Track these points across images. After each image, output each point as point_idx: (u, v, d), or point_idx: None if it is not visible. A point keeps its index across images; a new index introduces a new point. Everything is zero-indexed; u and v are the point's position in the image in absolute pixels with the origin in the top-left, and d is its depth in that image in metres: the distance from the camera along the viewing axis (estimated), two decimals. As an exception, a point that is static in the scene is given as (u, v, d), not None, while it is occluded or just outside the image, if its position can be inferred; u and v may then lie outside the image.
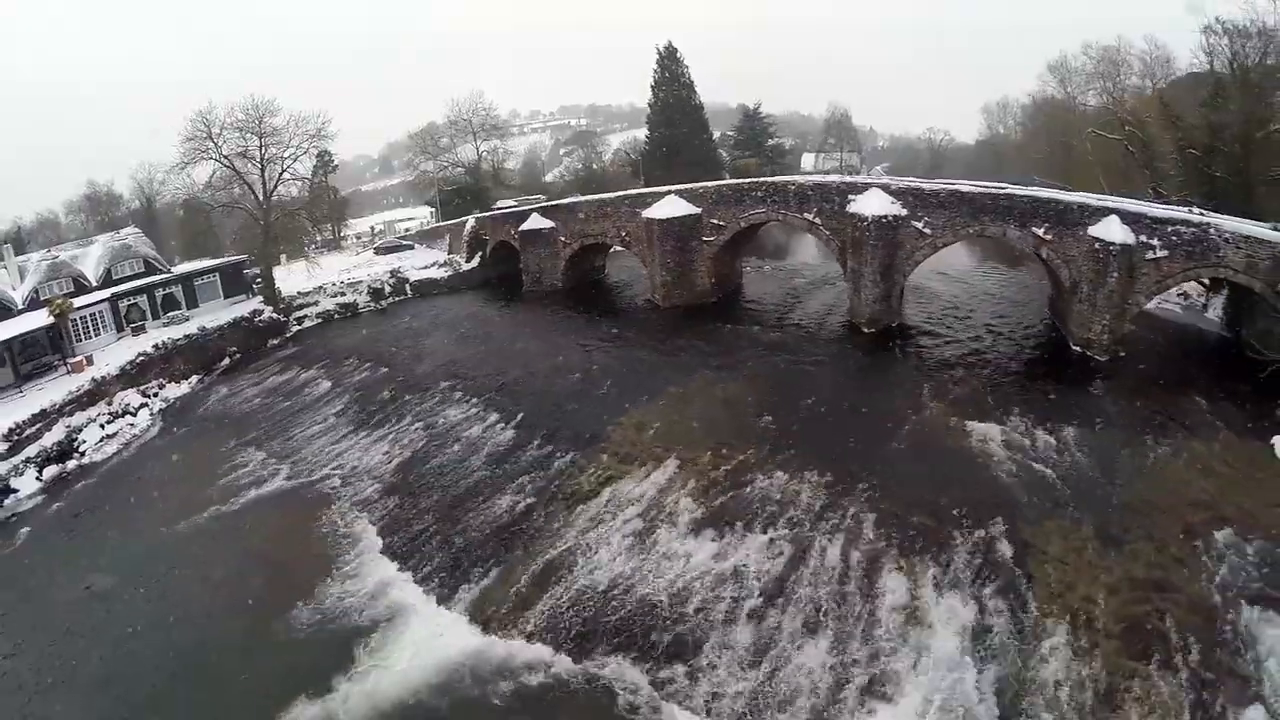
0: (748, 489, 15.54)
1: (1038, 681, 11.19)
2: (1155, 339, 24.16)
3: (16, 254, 39.83)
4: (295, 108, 35.46)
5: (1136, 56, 40.36)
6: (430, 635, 13.23)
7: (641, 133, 61.99)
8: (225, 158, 33.83)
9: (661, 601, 13.05)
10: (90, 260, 38.86)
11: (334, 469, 20.63)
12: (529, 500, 16.73)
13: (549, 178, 69.82)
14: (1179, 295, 28.42)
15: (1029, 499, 14.92)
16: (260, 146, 34.17)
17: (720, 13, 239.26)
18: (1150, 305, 27.38)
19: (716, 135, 67.49)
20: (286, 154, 34.89)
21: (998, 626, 12.03)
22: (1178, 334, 24.78)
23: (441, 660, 12.52)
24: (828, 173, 55.79)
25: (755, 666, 11.62)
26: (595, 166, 61.37)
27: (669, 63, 55.31)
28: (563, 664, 12.19)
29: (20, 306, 35.27)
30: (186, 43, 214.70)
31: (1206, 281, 25.35)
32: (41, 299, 35.74)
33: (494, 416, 21.23)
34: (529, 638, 12.83)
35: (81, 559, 18.86)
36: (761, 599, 12.79)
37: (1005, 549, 13.51)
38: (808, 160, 69.34)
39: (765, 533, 14.22)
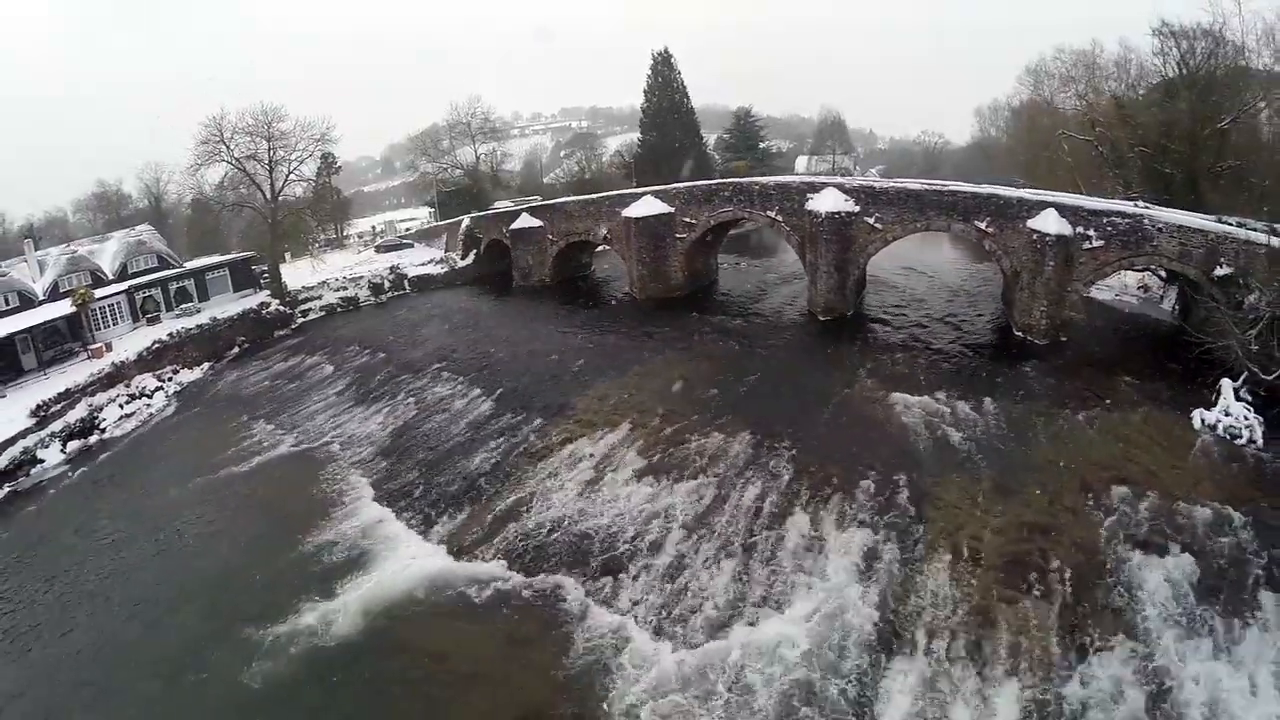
0: (686, 446, 18.43)
1: (915, 601, 13.30)
2: (1104, 327, 26.18)
3: (37, 247, 43.61)
4: (297, 108, 39.10)
5: (1110, 59, 42.96)
6: (411, 559, 16.29)
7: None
8: (236, 160, 37.23)
9: (600, 533, 15.99)
10: (107, 255, 42.56)
11: (334, 437, 23.79)
12: (499, 457, 19.79)
13: (548, 179, 73.14)
14: (1139, 288, 30.74)
15: (936, 456, 17.31)
16: (269, 149, 37.59)
17: (721, 12, 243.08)
18: (1109, 297, 30.05)
19: (714, 138, 70.78)
20: (293, 156, 38.31)
21: (887, 556, 14.36)
22: (1128, 322, 26.87)
23: (419, 575, 15.58)
24: (818, 174, 58.64)
25: (671, 581, 14.49)
26: (593, 168, 64.57)
27: (662, 68, 58.51)
28: (516, 579, 15.17)
29: (41, 297, 38.96)
30: (187, 43, 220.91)
31: (1164, 274, 27.38)
32: (61, 291, 39.42)
33: (476, 392, 24.30)
34: (490, 560, 15.83)
35: (101, 516, 21.87)
36: (684, 532, 15.67)
37: (905, 495, 15.91)
38: (801, 163, 72.20)
39: (695, 480, 17.10)
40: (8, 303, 37.58)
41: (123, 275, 40.95)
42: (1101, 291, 29.78)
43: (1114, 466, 16.06)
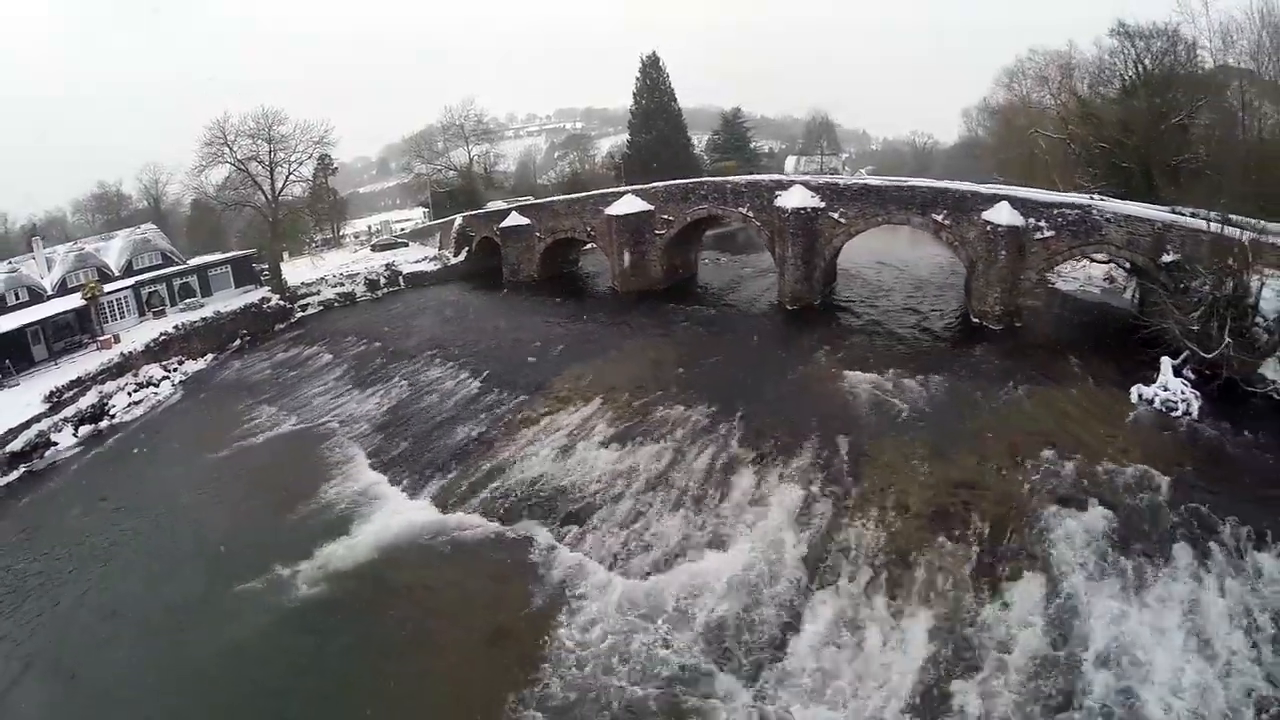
0: (651, 417, 20.78)
1: (842, 544, 15.34)
2: (1062, 315, 28.10)
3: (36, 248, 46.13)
4: (295, 110, 41.72)
5: (1086, 59, 45.29)
6: (401, 513, 18.65)
7: (634, 136, 67.72)
8: (239, 161, 39.73)
9: (569, 490, 18.33)
10: (113, 252, 45.03)
11: (333, 416, 26.16)
12: (483, 429, 22.16)
13: (542, 180, 75.68)
14: (1105, 280, 32.60)
15: (877, 424, 19.44)
16: (270, 151, 40.08)
17: (721, 12, 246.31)
18: (1073, 289, 32.11)
19: (706, 138, 73.36)
20: (293, 158, 40.81)
21: (821, 507, 16.50)
22: (1087, 311, 28.59)
23: (408, 526, 17.96)
24: (805, 174, 61.05)
25: (628, 527, 16.80)
26: (586, 168, 67.15)
27: (651, 70, 61.13)
28: (493, 527, 17.53)
29: (50, 293, 41.41)
30: (187, 43, 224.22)
31: (1128, 266, 28.68)
32: (69, 286, 41.86)
33: (465, 374, 26.68)
34: (471, 513, 18.19)
35: (113, 490, 23.98)
36: (643, 486, 17.99)
37: (844, 457, 18.02)
38: (790, 163, 74.67)
39: (656, 445, 19.42)
40: (17, 297, 40.01)
41: (128, 272, 43.39)
42: (1066, 283, 31.91)
43: (1046, 434, 17.74)
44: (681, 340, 26.99)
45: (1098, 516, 14.92)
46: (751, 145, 68.95)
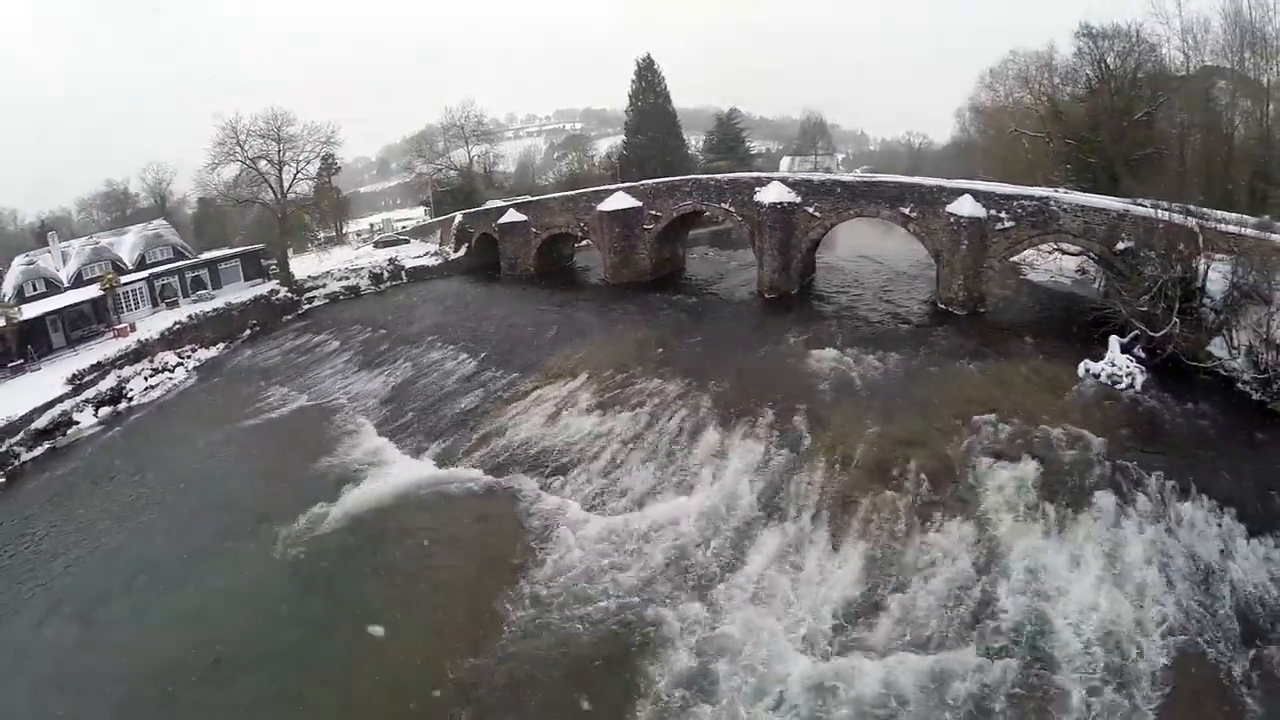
0: (630, 389, 23.52)
1: (793, 489, 17.84)
2: (1028, 302, 30.47)
3: (43, 244, 49.37)
4: (296, 110, 44.52)
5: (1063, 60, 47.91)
6: (406, 470, 21.49)
7: (631, 137, 70.70)
8: (249, 160, 42.72)
9: (555, 448, 21.13)
10: (126, 246, 48.11)
11: (342, 393, 29.08)
12: (479, 401, 25.03)
13: (541, 181, 78.67)
14: (1077, 271, 35.04)
15: (834, 393, 21.90)
16: (279, 151, 43.09)
17: (721, 12, 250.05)
18: (1044, 279, 34.51)
19: (701, 139, 76.35)
20: (301, 158, 43.83)
21: (776, 461, 19.05)
22: (1054, 299, 30.60)
23: (412, 479, 20.86)
24: (797, 174, 63.84)
25: (605, 477, 19.57)
26: (584, 168, 70.10)
27: (646, 73, 64.06)
28: (487, 479, 20.35)
29: (66, 284, 44.48)
30: (187, 43, 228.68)
31: (1096, 257, 30.08)
32: (85, 278, 44.91)
33: (464, 356, 29.54)
34: (468, 468, 20.99)
35: (136, 461, 26.72)
36: (619, 445, 20.75)
37: (800, 419, 20.44)
38: (785, 163, 77.57)
39: (633, 411, 22.17)
40: (35, 288, 43.12)
41: (141, 265, 46.40)
42: (1038, 274, 34.50)
43: (991, 402, 19.55)
44: (664, 325, 29.73)
45: (1029, 469, 16.86)
46: (747, 146, 71.78)
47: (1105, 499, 15.68)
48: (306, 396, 29.83)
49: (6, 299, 40.39)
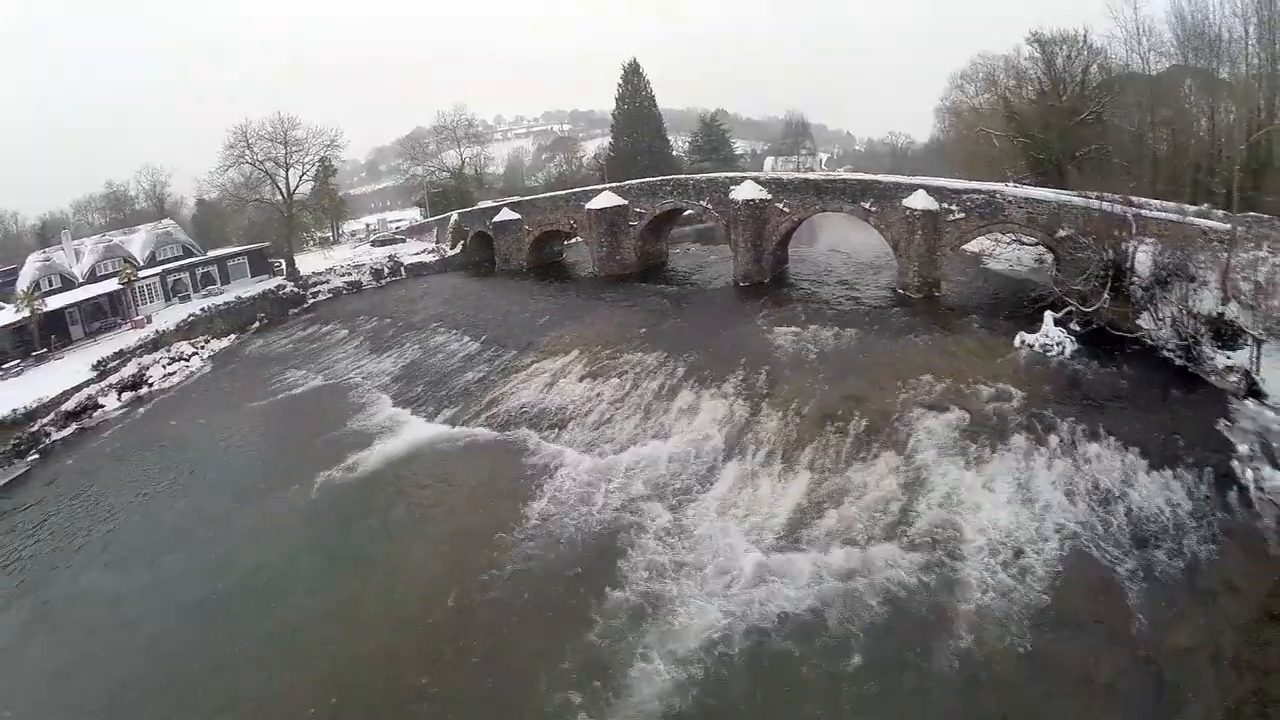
0: (616, 361, 27.73)
1: (753, 436, 21.77)
2: (982, 286, 34.20)
3: (47, 244, 53.28)
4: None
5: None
6: (422, 429, 25.59)
7: (618, 138, 75.21)
8: (258, 162, 46.80)
9: (552, 408, 25.31)
10: (137, 244, 52.06)
11: (356, 373, 33.08)
12: (483, 375, 29.22)
13: (530, 182, 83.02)
14: (1036, 260, 39.05)
15: (792, 361, 25.92)
16: (285, 154, 47.18)
17: (715, 12, 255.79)
18: (1003, 267, 38.70)
19: (686, 140, 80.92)
20: (306, 160, 47.95)
21: (739, 413, 23.04)
22: (1007, 284, 33.85)
23: (428, 436, 24.99)
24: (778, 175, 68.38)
25: (595, 430, 23.70)
26: (572, 168, 74.53)
27: (632, 77, 68.60)
28: (493, 434, 24.47)
29: (80, 280, 48.32)
30: (176, 48, 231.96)
31: (1040, 242, 33.15)
32: (98, 275, 48.75)
33: (467, 339, 33.70)
34: (476, 426, 25.11)
35: (163, 437, 30.25)
36: (607, 405, 24.93)
37: (761, 381, 24.49)
38: (768, 164, 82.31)
39: (619, 378, 26.37)
40: (51, 284, 46.94)
41: (151, 262, 50.34)
42: (997, 263, 38.22)
43: (930, 367, 23.05)
44: (647, 309, 33.98)
45: (955, 416, 20.35)
46: (731, 147, 76.42)
47: (1020, 439, 18.95)
48: (322, 377, 33.82)
49: (23, 294, 44.06)
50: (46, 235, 70.90)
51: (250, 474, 24.96)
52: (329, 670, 15.14)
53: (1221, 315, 22.14)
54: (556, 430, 24.00)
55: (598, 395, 25.64)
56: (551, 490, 20.69)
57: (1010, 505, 17.05)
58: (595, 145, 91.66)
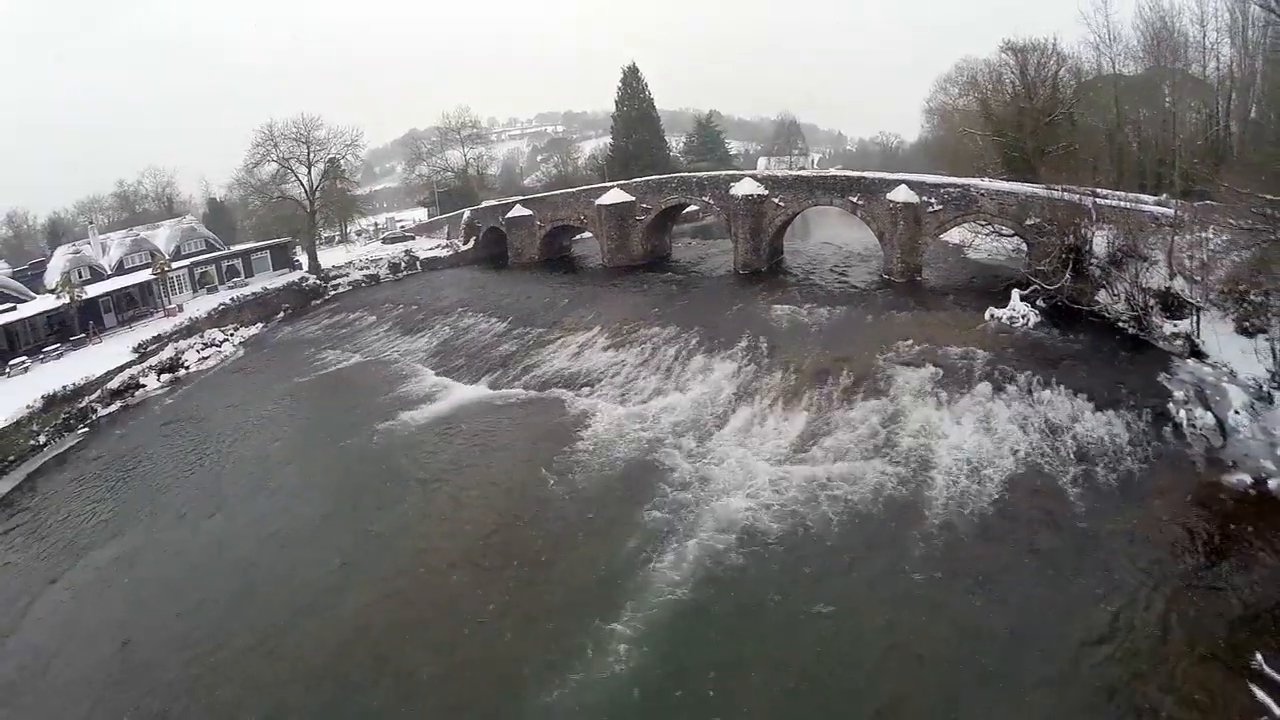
0: (635, 334, 32.38)
1: (760, 387, 26.37)
2: (962, 272, 38.94)
3: (54, 244, 57.16)
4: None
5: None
6: (466, 392, 30.08)
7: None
8: (283, 160, 51.05)
9: (582, 373, 29.87)
10: (161, 238, 56.17)
11: (393, 351, 37.47)
12: (515, 348, 33.79)
13: (527, 182, 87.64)
14: (1014, 250, 43.16)
15: (790, 332, 30.57)
16: (308, 153, 51.49)
17: (712, 13, 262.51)
18: (983, 257, 43.53)
19: (682, 140, 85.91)
20: (328, 158, 52.25)
21: (746, 372, 27.75)
22: (984, 270, 38.26)
23: (472, 397, 29.52)
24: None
25: (622, 387, 28.27)
26: (569, 168, 79.24)
27: (631, 80, 73.47)
28: (531, 394, 29.02)
29: (109, 271, 52.25)
30: (178, 47, 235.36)
31: (1012, 230, 37.57)
32: (125, 267, 52.71)
33: (494, 320, 38.22)
34: (515, 389, 29.60)
35: (214, 410, 34.24)
36: (632, 368, 29.54)
37: (764, 348, 29.04)
38: (761, 163, 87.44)
39: (639, 348, 30.99)
40: (82, 275, 50.82)
41: (177, 255, 54.45)
42: (978, 252, 42.93)
43: (908, 334, 27.25)
44: (658, 294, 38.68)
45: (929, 371, 24.36)
46: (725, 147, 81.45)
47: (984, 387, 22.91)
48: (360, 355, 38.10)
49: (63, 281, 47.89)
50: (56, 233, 74.74)
51: (312, 429, 29.42)
52: (417, 561, 19.25)
53: (1169, 289, 25.35)
54: (589, 388, 28.54)
55: (622, 361, 30.20)
56: (591, 432, 25.15)
57: (974, 435, 21.10)
58: (592, 145, 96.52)
